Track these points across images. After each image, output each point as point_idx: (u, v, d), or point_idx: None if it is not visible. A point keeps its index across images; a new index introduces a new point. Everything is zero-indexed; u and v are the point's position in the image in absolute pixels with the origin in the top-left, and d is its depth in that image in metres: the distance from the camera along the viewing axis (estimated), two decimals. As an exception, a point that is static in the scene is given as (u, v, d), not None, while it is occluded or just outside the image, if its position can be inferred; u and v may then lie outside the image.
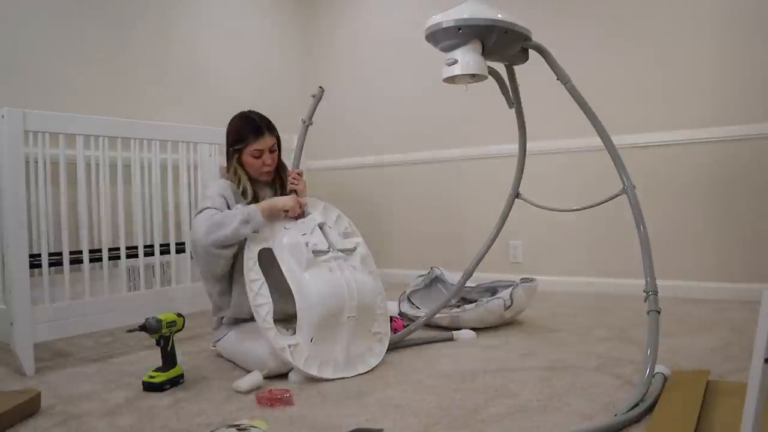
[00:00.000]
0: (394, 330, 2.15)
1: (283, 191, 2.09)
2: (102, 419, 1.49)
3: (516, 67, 2.07)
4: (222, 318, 1.99)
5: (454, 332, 2.25)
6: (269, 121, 2.04)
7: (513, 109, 2.16)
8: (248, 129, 1.99)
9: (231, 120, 2.06)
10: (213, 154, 2.75)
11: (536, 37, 1.86)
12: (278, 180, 2.12)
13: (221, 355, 2.03)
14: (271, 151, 2.02)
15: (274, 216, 1.93)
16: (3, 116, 1.86)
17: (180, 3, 3.44)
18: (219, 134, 2.65)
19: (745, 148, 2.77)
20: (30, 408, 1.53)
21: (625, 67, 3.05)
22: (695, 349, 1.96)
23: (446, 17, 1.74)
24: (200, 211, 1.88)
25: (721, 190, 2.84)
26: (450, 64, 1.77)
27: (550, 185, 3.15)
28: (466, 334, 2.25)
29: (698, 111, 2.87)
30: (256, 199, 2.00)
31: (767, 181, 2.73)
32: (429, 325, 2.29)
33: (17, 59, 2.70)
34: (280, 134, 2.06)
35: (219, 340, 1.99)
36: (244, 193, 2.00)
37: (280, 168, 2.11)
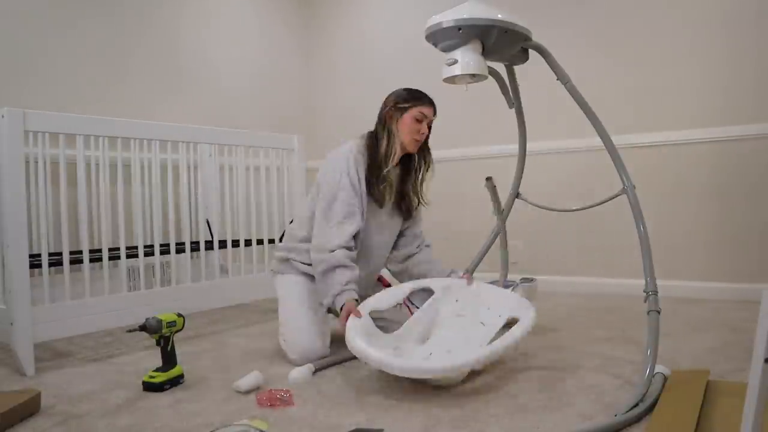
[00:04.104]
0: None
1: (410, 175, 2.09)
2: (102, 419, 1.49)
3: (516, 67, 2.07)
4: (293, 259, 2.03)
5: (454, 332, 2.24)
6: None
7: (513, 109, 2.16)
8: (418, 95, 2.00)
9: (392, 92, 2.04)
10: (213, 154, 2.75)
11: (536, 37, 1.86)
12: (415, 161, 2.08)
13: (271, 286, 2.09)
14: (428, 126, 2.03)
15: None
16: (3, 116, 1.86)
17: (180, 3, 3.44)
18: (219, 134, 2.67)
19: (745, 148, 2.77)
20: (30, 408, 1.53)
21: (625, 67, 3.05)
22: (695, 349, 1.96)
23: (446, 17, 1.74)
24: (331, 220, 1.88)
25: (721, 190, 2.84)
26: (450, 64, 1.77)
27: (550, 185, 3.15)
28: (467, 334, 2.25)
29: (698, 111, 2.87)
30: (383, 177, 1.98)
31: (767, 181, 2.73)
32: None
33: (17, 59, 2.70)
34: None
35: (283, 274, 2.03)
36: (386, 159, 1.96)
37: (424, 148, 2.09)
